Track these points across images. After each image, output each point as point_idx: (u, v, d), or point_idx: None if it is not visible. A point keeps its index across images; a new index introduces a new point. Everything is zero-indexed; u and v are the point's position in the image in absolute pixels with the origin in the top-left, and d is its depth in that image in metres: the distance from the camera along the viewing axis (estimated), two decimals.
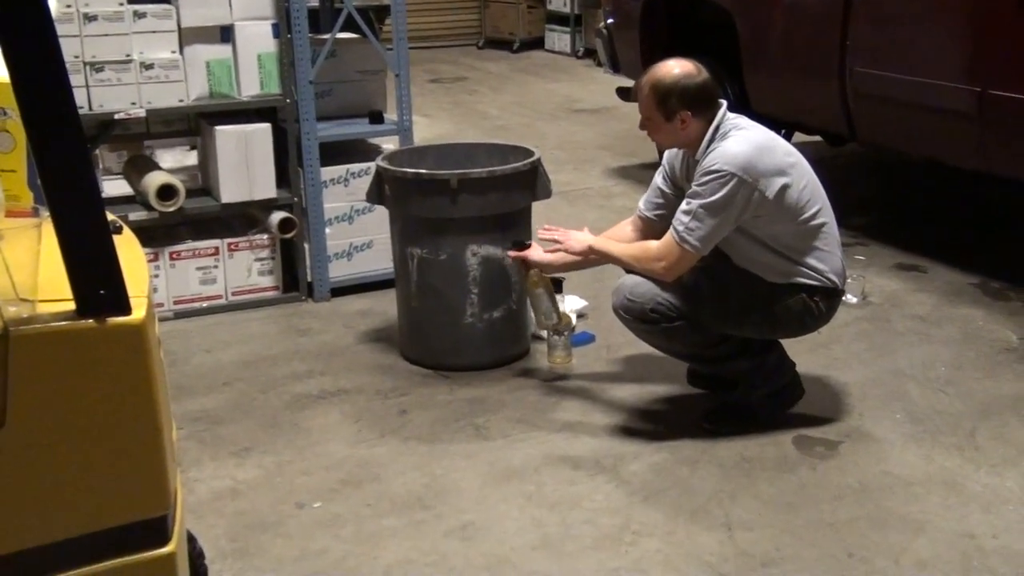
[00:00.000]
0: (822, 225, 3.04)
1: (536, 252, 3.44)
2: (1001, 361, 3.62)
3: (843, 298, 3.25)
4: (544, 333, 3.68)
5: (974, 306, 4.10)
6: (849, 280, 3.42)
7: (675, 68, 3.03)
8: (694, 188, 2.96)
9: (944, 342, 3.79)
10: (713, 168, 2.92)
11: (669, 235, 3.00)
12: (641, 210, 3.30)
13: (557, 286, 3.73)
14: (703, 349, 3.17)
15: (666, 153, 3.31)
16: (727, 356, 3.17)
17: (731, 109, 3.09)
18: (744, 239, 3.03)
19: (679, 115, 3.00)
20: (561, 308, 3.62)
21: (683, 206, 2.98)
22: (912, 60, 4.32)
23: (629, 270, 3.16)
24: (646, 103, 3.05)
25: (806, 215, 3.01)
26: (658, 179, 3.28)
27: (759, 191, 2.92)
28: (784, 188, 2.95)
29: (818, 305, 3.07)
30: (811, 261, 3.03)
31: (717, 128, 3.00)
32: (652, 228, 3.24)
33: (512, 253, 3.49)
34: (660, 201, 3.25)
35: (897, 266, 4.56)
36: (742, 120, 3.07)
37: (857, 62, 4.54)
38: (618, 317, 3.19)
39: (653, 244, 3.07)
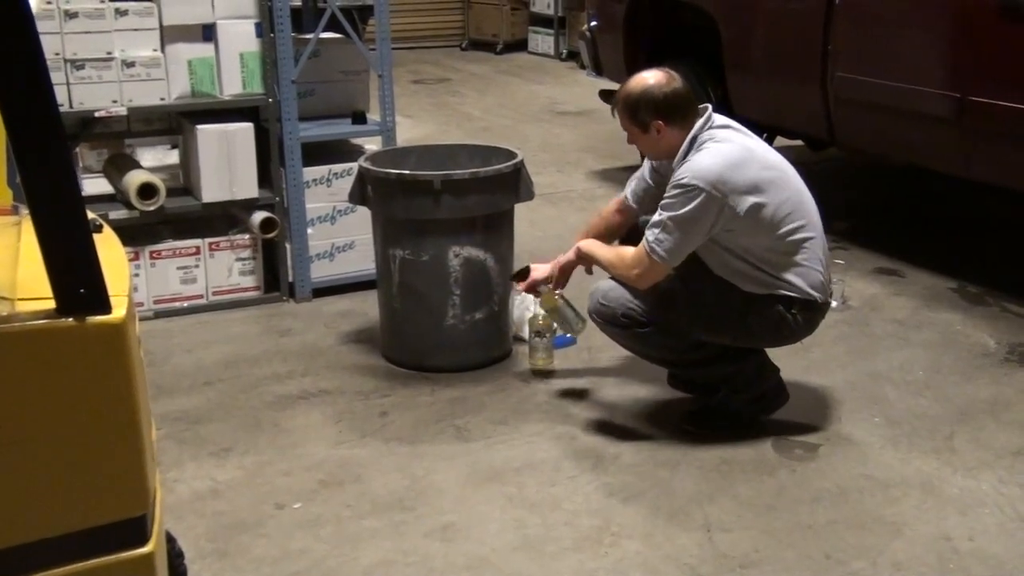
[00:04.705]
0: (804, 240, 2.99)
1: (538, 271, 3.41)
2: (978, 365, 3.64)
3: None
4: (525, 335, 3.69)
5: (952, 310, 4.13)
6: None
7: (647, 79, 3.02)
8: (665, 200, 2.95)
9: (922, 346, 3.81)
10: (682, 181, 2.90)
11: (641, 245, 2.99)
12: (626, 196, 3.35)
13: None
14: (677, 355, 3.18)
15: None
16: (703, 362, 3.17)
17: (715, 111, 3.07)
18: (719, 249, 3.01)
19: (653, 125, 2.99)
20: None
21: (654, 217, 2.97)
22: (893, 65, 4.34)
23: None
24: (621, 117, 3.07)
25: (785, 229, 2.96)
26: (645, 170, 3.30)
27: (729, 206, 2.89)
28: (757, 206, 2.91)
29: (795, 317, 3.03)
30: (788, 276, 2.99)
31: (694, 139, 2.98)
32: (630, 214, 3.34)
33: (520, 286, 3.48)
34: (642, 192, 3.30)
35: (876, 270, 4.59)
36: (720, 132, 3.00)
37: (838, 67, 4.56)
38: (591, 320, 3.21)
39: (629, 251, 3.07)
